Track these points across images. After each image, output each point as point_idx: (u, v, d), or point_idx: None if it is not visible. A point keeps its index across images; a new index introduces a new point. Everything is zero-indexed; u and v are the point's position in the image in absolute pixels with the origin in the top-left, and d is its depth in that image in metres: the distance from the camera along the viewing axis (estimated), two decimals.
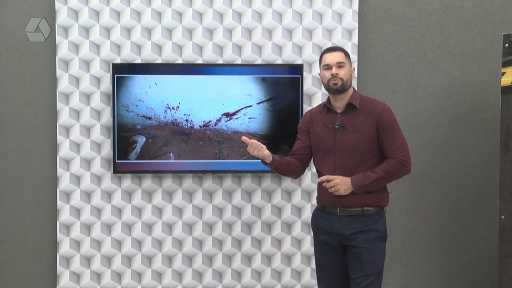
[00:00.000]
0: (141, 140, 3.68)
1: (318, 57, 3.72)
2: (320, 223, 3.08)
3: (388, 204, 3.06)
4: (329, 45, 3.74)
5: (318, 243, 3.12)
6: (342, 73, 2.99)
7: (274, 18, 3.75)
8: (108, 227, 3.77)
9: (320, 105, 3.21)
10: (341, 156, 3.00)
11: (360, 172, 2.96)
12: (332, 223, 3.02)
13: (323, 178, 2.98)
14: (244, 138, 3.02)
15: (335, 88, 2.99)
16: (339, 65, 3.00)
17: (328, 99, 3.12)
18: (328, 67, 3.01)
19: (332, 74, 2.98)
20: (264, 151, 3.02)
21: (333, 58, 3.01)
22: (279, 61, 3.75)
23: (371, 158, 2.99)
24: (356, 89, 3.61)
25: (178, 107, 3.68)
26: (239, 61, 3.74)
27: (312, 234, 3.29)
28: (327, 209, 3.05)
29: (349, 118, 3.02)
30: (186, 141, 3.69)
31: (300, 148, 3.15)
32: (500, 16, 3.81)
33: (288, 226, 3.79)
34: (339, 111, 3.05)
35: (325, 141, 3.04)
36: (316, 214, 3.16)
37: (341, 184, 2.94)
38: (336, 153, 3.01)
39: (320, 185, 3.05)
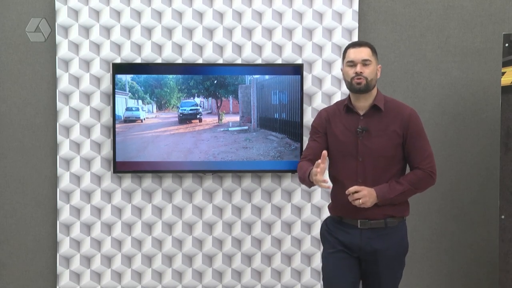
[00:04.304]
0: (141, 139, 3.68)
1: (318, 57, 3.74)
2: (337, 235, 2.83)
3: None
4: (329, 44, 3.74)
5: (331, 252, 2.84)
6: (368, 71, 2.73)
7: (274, 18, 3.75)
8: (108, 227, 3.77)
9: (337, 103, 2.94)
10: (364, 162, 2.76)
11: (383, 180, 2.75)
12: (353, 236, 2.78)
13: (352, 189, 2.68)
14: (324, 152, 2.62)
15: (358, 88, 2.73)
16: (365, 62, 2.73)
17: (349, 98, 2.85)
18: (352, 63, 2.74)
19: (356, 72, 2.72)
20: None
21: (358, 54, 2.74)
22: (279, 61, 3.75)
23: (394, 165, 2.78)
24: None
25: (178, 106, 3.68)
26: (239, 61, 3.74)
27: (321, 242, 2.98)
28: (346, 221, 2.81)
29: (373, 121, 2.77)
30: (186, 141, 3.69)
31: (318, 150, 2.85)
32: (500, 16, 3.81)
33: (288, 226, 3.79)
34: (361, 113, 2.80)
35: (345, 145, 2.79)
36: (331, 225, 2.88)
37: (369, 196, 2.68)
38: (357, 158, 2.76)
39: (335, 192, 2.85)
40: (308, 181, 2.74)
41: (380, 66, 2.83)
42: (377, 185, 2.74)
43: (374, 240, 2.77)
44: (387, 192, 2.72)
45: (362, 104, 2.79)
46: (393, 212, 2.78)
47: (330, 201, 2.94)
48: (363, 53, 2.74)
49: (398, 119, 2.77)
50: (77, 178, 3.74)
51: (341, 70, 2.85)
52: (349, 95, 2.85)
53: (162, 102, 3.68)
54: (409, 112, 2.79)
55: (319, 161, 2.60)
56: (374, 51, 2.79)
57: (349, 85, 2.77)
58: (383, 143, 2.75)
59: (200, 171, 3.72)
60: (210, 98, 3.69)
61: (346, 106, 2.84)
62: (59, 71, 3.71)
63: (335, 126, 2.84)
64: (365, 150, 2.75)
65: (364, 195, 2.67)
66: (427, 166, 2.76)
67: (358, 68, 2.72)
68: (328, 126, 2.86)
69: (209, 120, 3.70)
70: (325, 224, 2.93)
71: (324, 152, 2.60)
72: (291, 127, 3.68)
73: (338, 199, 2.83)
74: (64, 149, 3.73)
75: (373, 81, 2.75)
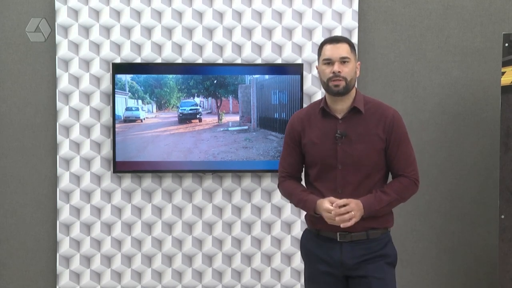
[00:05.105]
0: (141, 139, 3.68)
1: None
2: (316, 251, 2.58)
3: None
4: None
5: (315, 274, 2.61)
6: (346, 70, 2.45)
7: (274, 18, 3.75)
8: (108, 227, 3.76)
9: (312, 105, 2.65)
10: (344, 170, 2.50)
11: (365, 189, 2.51)
12: (332, 251, 2.54)
13: (341, 202, 2.43)
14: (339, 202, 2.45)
15: (336, 91, 2.46)
16: (343, 60, 2.46)
17: (325, 100, 2.57)
18: (329, 61, 2.47)
19: (333, 72, 2.45)
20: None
21: (336, 51, 2.46)
22: (279, 61, 3.75)
23: (377, 172, 2.54)
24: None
25: (178, 106, 3.68)
26: (239, 61, 3.74)
27: (301, 256, 2.78)
28: (324, 234, 2.56)
29: (353, 125, 2.51)
30: (186, 141, 3.69)
31: (296, 165, 2.66)
32: (500, 15, 3.81)
33: (288, 226, 3.79)
34: (339, 116, 2.54)
35: (323, 152, 2.52)
36: (309, 238, 2.64)
37: (356, 209, 2.43)
38: (337, 166, 2.51)
39: None
40: (313, 213, 2.52)
41: (359, 63, 2.57)
42: (358, 195, 2.49)
43: (356, 254, 2.52)
44: (373, 204, 2.47)
45: (340, 107, 2.53)
46: (375, 223, 2.54)
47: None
48: (341, 49, 2.46)
49: (381, 122, 2.52)
50: (77, 178, 3.74)
51: (316, 68, 2.57)
52: (324, 97, 2.57)
53: (162, 102, 3.68)
54: (392, 114, 2.54)
55: (332, 207, 2.42)
56: (352, 47, 2.51)
57: (326, 87, 2.50)
58: (365, 149, 2.49)
59: (200, 171, 3.72)
60: (210, 98, 3.69)
61: (322, 109, 2.56)
62: (59, 71, 3.71)
63: (311, 132, 2.56)
64: (345, 157, 2.49)
65: (352, 208, 2.42)
66: (411, 173, 2.55)
67: (336, 67, 2.45)
68: (302, 133, 2.60)
69: (209, 120, 3.70)
70: (303, 238, 2.70)
71: (339, 202, 2.43)
72: None
73: None
74: (64, 149, 3.73)
75: (352, 81, 2.49)
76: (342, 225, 2.43)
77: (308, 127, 2.58)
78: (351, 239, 2.51)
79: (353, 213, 2.42)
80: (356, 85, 2.61)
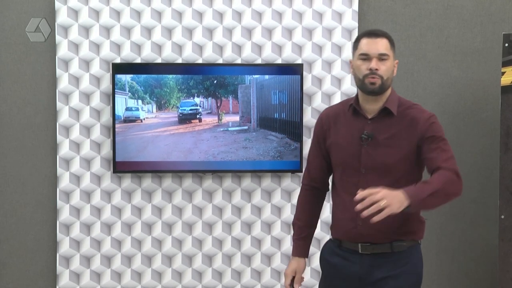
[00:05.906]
0: (141, 139, 3.68)
1: (318, 57, 3.74)
2: (335, 262, 2.38)
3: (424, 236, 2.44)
4: (329, 44, 3.74)
5: (328, 286, 2.47)
6: (384, 68, 2.24)
7: (274, 18, 3.75)
8: (108, 227, 3.77)
9: (343, 102, 2.46)
10: (367, 175, 2.28)
11: None
12: (352, 263, 2.33)
13: (365, 193, 2.05)
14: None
15: (371, 89, 2.25)
16: (381, 57, 2.24)
17: (356, 98, 2.36)
18: (366, 57, 2.25)
19: (370, 69, 2.23)
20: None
21: (374, 46, 2.24)
22: (279, 61, 3.75)
23: (404, 181, 2.23)
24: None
25: (178, 106, 3.68)
26: (239, 61, 3.74)
27: (320, 270, 2.57)
28: (345, 244, 2.36)
29: (382, 127, 2.29)
30: (186, 141, 3.69)
31: (319, 168, 2.46)
32: (500, 15, 3.81)
33: (288, 226, 3.79)
34: (369, 116, 2.32)
35: (347, 153, 2.32)
36: (329, 248, 2.46)
37: (390, 196, 2.04)
38: (360, 170, 2.29)
39: (335, 209, 2.42)
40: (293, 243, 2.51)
41: (397, 61, 2.36)
42: None
43: (377, 268, 2.31)
44: (418, 192, 2.11)
45: (372, 107, 2.32)
46: (401, 235, 2.32)
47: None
48: (380, 45, 2.25)
49: (413, 125, 2.29)
50: (77, 178, 3.74)
51: (350, 62, 2.35)
52: (357, 94, 2.37)
53: (162, 102, 3.68)
54: (427, 117, 2.30)
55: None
56: (392, 43, 2.31)
57: (361, 84, 2.28)
58: (390, 154, 2.27)
59: (200, 171, 3.72)
60: (210, 98, 3.69)
61: (352, 108, 2.36)
62: (59, 71, 3.72)
63: (339, 131, 2.37)
64: (369, 160, 2.28)
65: (384, 195, 2.03)
66: (451, 166, 2.20)
67: (374, 64, 2.23)
68: (327, 132, 2.40)
69: (209, 120, 3.70)
70: (325, 247, 2.51)
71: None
72: (291, 127, 3.68)
73: (337, 217, 2.39)
74: (64, 149, 3.73)
75: (388, 81, 2.28)
76: (374, 219, 2.05)
77: (334, 126, 2.38)
78: (373, 251, 2.30)
79: (382, 203, 2.01)
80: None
